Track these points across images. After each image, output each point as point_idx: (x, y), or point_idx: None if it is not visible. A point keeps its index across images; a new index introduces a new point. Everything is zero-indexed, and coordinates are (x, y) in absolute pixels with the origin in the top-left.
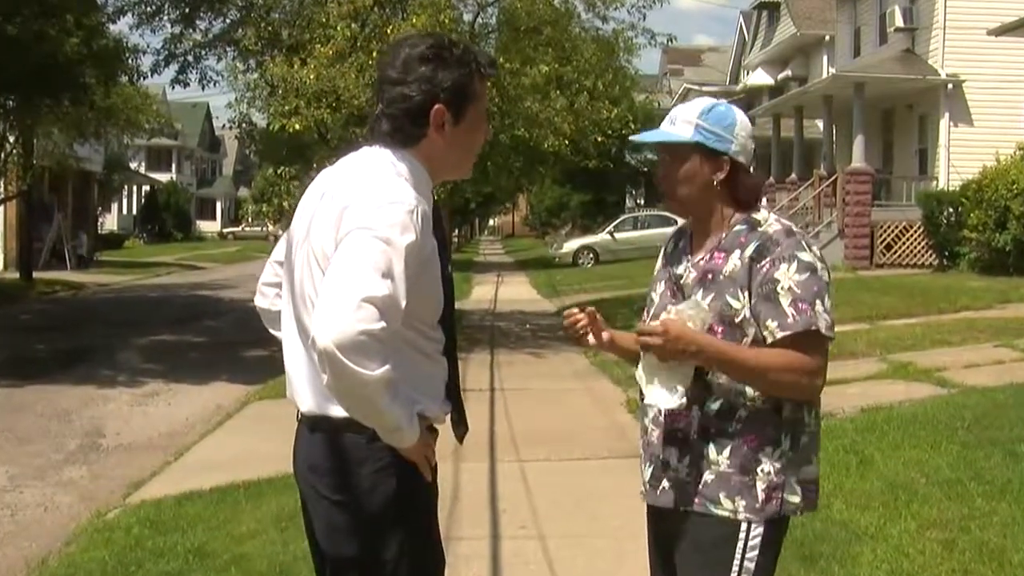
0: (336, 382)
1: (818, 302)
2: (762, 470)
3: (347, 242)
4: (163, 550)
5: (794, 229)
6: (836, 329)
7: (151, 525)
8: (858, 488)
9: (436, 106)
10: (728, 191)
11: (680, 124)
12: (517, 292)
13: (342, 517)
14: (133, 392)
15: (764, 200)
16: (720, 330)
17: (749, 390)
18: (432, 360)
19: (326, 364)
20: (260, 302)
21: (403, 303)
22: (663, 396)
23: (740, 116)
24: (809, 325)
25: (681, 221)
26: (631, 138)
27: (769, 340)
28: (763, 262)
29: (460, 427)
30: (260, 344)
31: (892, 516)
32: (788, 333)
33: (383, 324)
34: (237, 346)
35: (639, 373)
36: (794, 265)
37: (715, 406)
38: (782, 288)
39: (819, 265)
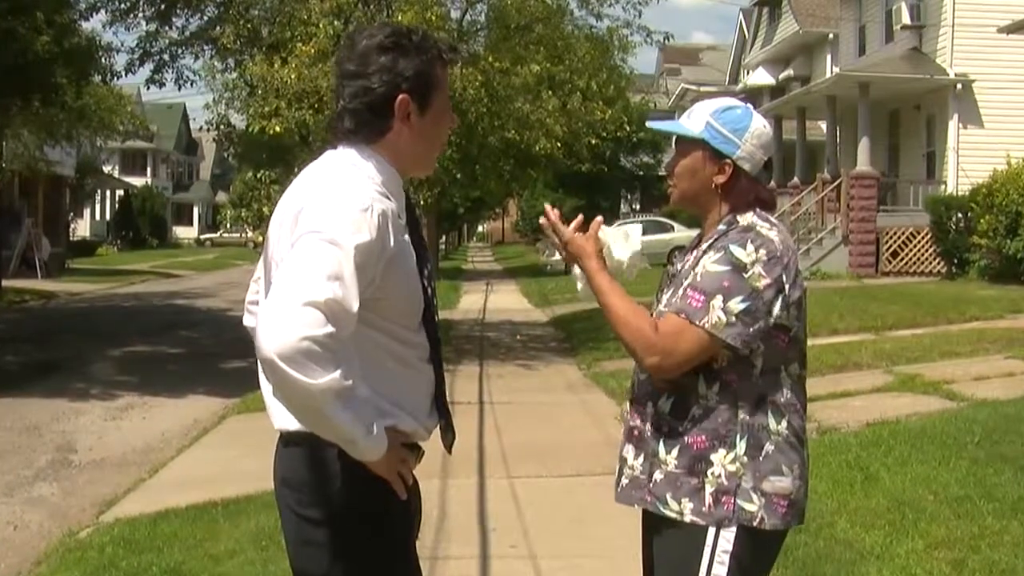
0: (281, 392)
1: (719, 297)
2: (712, 472)
3: (296, 247)
4: (138, 571)
5: (758, 228)
6: (841, 339)
7: (125, 544)
8: (863, 506)
9: (400, 96)
10: (726, 195)
11: (694, 118)
12: (507, 301)
13: (311, 532)
14: (106, 406)
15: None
16: None
17: (702, 388)
18: (412, 369)
19: (269, 373)
20: (248, 322)
21: (355, 306)
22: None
23: (756, 123)
24: (679, 311)
25: (677, 226)
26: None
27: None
28: (707, 251)
29: (447, 435)
30: (238, 356)
31: (899, 535)
32: (665, 311)
33: (329, 329)
34: (215, 358)
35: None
36: (719, 255)
37: (668, 404)
38: (694, 272)
39: (751, 267)
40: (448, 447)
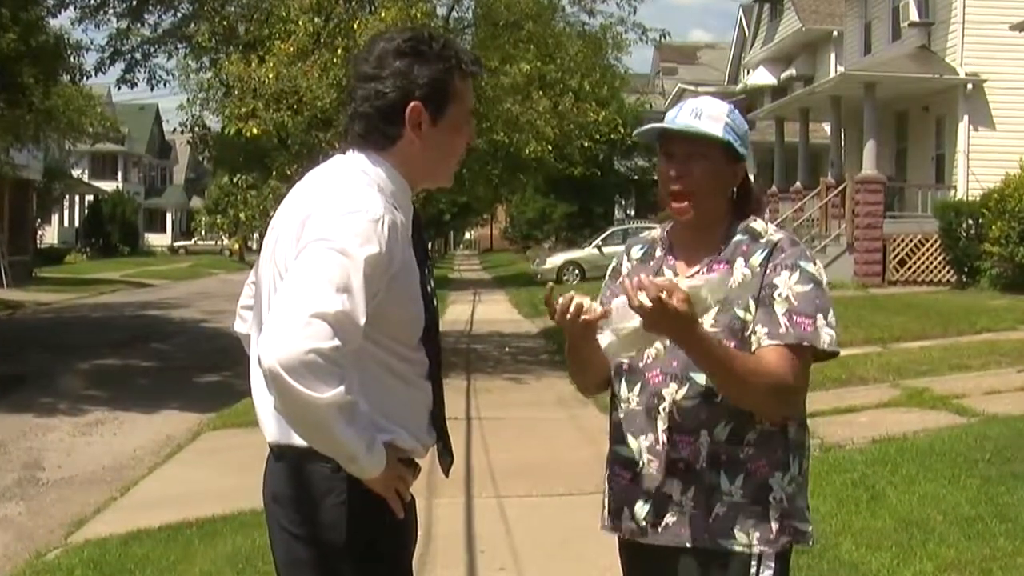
0: (284, 405)
1: (820, 316)
2: (774, 497)
3: (302, 255)
4: None
5: (796, 239)
6: (845, 352)
7: (95, 567)
8: (869, 526)
9: (412, 104)
10: (741, 200)
11: (707, 120)
12: (495, 312)
13: (302, 551)
14: (75, 421)
15: (767, 212)
16: (732, 344)
17: None
18: (411, 385)
19: (272, 386)
20: (239, 328)
21: (362, 320)
22: (615, 346)
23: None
24: (801, 339)
25: (646, 232)
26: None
27: (754, 347)
28: (767, 268)
29: (445, 457)
30: (214, 369)
31: (906, 557)
32: (776, 343)
33: (336, 342)
34: (189, 371)
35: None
36: (796, 274)
37: (724, 432)
38: (779, 295)
39: (822, 279)
40: (446, 470)
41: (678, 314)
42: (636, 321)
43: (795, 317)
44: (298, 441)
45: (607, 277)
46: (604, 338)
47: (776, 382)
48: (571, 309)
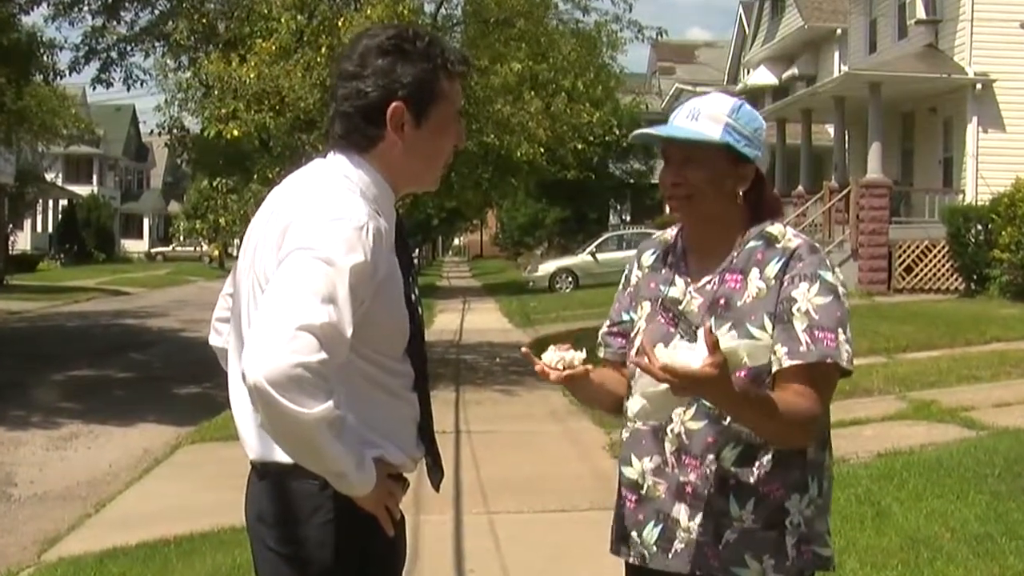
0: (270, 422)
1: (840, 331)
2: (790, 522)
3: (285, 265)
4: None
5: (816, 245)
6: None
7: None
8: (874, 544)
9: (394, 104)
10: (748, 204)
11: (704, 120)
12: (486, 321)
13: (290, 571)
14: (48, 434)
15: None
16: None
17: None
18: (398, 398)
19: (257, 402)
20: (214, 340)
21: (348, 331)
22: (645, 411)
23: (762, 121)
24: (825, 356)
25: (659, 233)
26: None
27: (774, 368)
28: (783, 280)
29: (435, 473)
30: (193, 380)
31: None
32: (798, 363)
33: (323, 356)
34: (167, 382)
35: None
36: (816, 285)
37: (734, 453)
38: (798, 310)
39: (841, 289)
40: (436, 486)
41: (709, 380)
42: (664, 384)
43: (817, 332)
44: (281, 458)
45: (620, 287)
46: (634, 403)
47: (807, 416)
48: (558, 367)
